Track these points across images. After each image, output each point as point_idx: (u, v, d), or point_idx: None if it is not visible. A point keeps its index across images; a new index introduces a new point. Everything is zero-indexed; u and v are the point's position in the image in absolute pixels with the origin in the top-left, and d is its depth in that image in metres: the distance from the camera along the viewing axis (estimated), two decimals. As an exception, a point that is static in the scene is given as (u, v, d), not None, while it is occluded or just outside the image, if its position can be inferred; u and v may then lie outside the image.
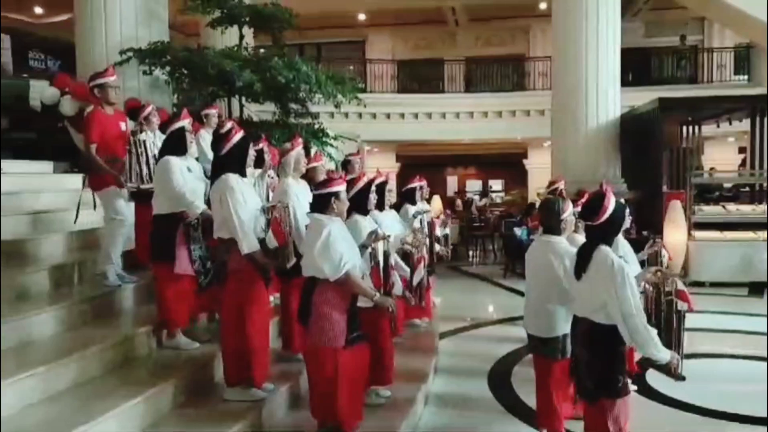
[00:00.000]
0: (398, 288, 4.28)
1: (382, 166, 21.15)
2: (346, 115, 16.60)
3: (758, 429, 4.45)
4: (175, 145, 4.49)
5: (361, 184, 4.34)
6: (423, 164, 21.79)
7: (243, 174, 4.08)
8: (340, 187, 3.74)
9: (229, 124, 5.33)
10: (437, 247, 6.39)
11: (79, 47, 9.16)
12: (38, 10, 16.92)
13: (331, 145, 9.45)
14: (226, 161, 4.03)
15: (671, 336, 3.30)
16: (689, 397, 4.94)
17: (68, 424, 3.13)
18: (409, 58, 20.30)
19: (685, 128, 11.51)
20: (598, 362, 3.16)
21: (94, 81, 5.03)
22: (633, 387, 5.11)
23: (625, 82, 17.28)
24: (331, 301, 3.63)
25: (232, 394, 3.98)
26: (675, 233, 9.30)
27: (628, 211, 10.49)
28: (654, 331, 3.06)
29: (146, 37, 8.79)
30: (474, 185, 21.76)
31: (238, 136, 4.04)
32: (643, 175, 11.42)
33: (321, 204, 3.71)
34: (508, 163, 20.59)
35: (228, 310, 4.00)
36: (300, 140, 4.86)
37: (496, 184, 21.56)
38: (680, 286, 3.66)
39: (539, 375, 3.96)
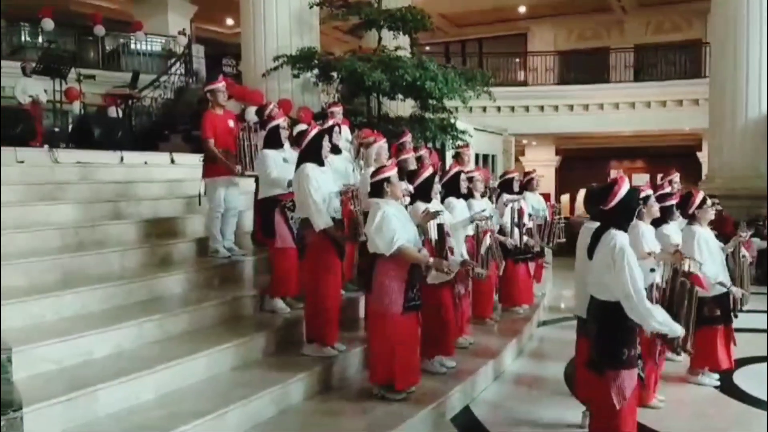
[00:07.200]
0: (454, 259, 4.64)
1: (540, 159, 21.04)
2: (498, 109, 16.85)
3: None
4: (272, 140, 5.32)
5: (425, 174, 4.84)
6: (584, 157, 21.24)
7: (320, 163, 4.75)
8: (391, 173, 4.28)
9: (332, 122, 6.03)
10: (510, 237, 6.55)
11: (243, 55, 10.58)
12: (230, 21, 19.22)
13: (460, 138, 9.92)
14: (306, 153, 4.74)
15: (681, 313, 3.41)
16: None
17: (168, 358, 4.04)
18: (572, 48, 19.85)
19: None
20: (603, 336, 3.38)
21: (207, 87, 5.98)
22: (716, 383, 5.05)
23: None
24: (389, 272, 4.19)
25: (309, 350, 4.70)
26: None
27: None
28: (656, 308, 3.20)
29: (299, 44, 9.93)
30: (641, 179, 20.70)
31: (314, 132, 4.75)
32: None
33: (376, 189, 4.28)
34: (680, 155, 19.30)
35: (307, 277, 4.72)
36: (382, 136, 5.46)
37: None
38: (693, 269, 3.72)
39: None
